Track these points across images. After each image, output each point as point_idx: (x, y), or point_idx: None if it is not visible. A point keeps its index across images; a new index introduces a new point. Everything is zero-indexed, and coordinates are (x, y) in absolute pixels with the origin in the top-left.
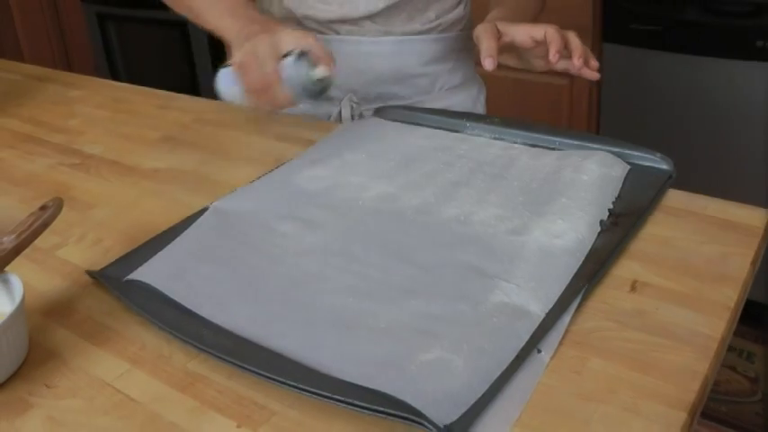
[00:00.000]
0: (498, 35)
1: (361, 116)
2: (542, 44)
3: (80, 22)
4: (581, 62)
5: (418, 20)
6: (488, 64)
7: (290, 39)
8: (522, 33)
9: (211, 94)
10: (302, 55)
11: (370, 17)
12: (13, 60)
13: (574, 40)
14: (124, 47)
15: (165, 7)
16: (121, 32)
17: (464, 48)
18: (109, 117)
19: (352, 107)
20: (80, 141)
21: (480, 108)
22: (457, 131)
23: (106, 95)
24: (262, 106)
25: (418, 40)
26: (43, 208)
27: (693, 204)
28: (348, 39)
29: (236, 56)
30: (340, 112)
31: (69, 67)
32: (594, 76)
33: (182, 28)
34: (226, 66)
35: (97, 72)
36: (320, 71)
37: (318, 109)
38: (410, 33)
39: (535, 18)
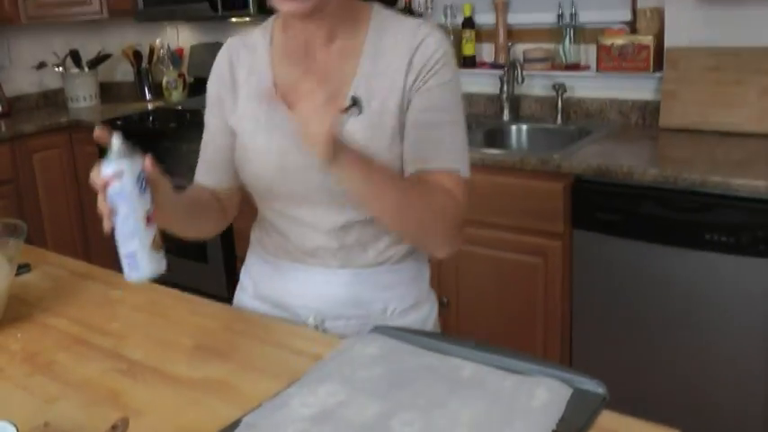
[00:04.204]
0: None
1: (324, 330)
2: None
3: None
4: None
5: (371, 250)
6: None
7: None
8: None
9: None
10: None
11: (333, 252)
12: (34, 221)
13: None
14: None
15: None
16: None
17: (416, 276)
18: (147, 321)
19: (316, 326)
20: (124, 346)
21: (430, 325)
22: (440, 351)
23: (142, 297)
24: None
25: (373, 272)
26: (114, 427)
27: (620, 424)
28: (314, 269)
29: None
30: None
31: (86, 239)
32: None
33: None
34: None
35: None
36: None
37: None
38: (366, 266)
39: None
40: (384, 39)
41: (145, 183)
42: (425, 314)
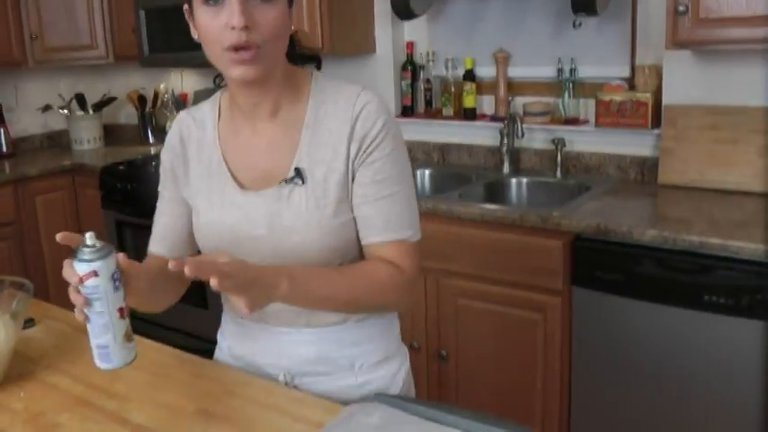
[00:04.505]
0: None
1: (294, 386)
2: None
3: (99, 226)
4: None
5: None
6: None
7: None
8: None
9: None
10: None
11: (296, 312)
12: (36, 264)
13: None
14: (138, 250)
15: None
16: (136, 237)
17: (382, 331)
18: (150, 382)
19: (286, 383)
20: (128, 409)
21: (399, 381)
22: (439, 422)
23: (146, 357)
24: None
25: (337, 329)
26: None
27: None
28: (280, 329)
29: None
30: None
31: None
32: None
33: None
34: None
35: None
36: None
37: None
38: (330, 324)
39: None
40: (324, 107)
41: (119, 280)
42: (395, 369)
